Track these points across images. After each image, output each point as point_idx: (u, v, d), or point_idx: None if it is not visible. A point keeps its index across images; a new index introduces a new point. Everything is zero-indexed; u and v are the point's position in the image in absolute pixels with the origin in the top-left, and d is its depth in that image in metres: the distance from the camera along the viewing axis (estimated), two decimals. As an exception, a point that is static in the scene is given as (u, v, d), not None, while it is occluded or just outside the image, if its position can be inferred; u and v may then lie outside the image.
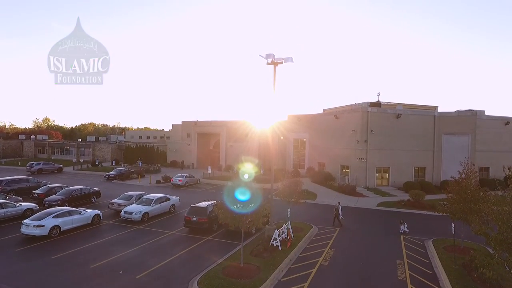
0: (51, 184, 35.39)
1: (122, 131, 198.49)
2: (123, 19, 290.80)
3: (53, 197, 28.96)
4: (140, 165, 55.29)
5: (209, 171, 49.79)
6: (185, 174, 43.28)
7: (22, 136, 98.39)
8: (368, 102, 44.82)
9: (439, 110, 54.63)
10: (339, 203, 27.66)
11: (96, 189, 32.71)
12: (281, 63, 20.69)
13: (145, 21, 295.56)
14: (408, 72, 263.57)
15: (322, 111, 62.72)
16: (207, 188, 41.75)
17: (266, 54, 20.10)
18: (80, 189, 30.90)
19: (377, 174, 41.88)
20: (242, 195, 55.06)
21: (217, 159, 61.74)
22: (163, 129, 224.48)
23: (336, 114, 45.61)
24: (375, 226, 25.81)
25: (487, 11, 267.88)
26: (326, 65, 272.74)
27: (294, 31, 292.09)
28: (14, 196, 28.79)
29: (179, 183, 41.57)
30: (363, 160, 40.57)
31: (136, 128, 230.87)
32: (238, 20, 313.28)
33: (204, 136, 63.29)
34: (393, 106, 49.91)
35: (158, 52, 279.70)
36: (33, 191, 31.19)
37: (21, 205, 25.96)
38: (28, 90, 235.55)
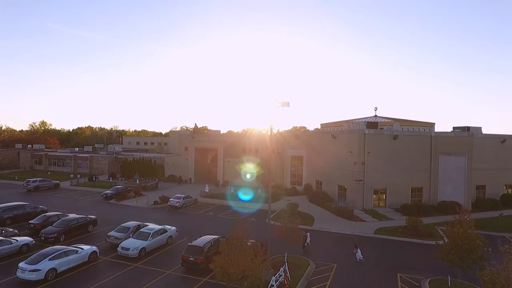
0: (48, 212, 35.42)
1: (120, 135, 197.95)
2: (126, 19, 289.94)
3: (49, 229, 28.81)
4: (137, 182, 55.08)
5: (206, 189, 49.68)
6: (183, 195, 43.10)
7: (19, 145, 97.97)
8: (365, 122, 44.90)
9: (437, 122, 55.35)
10: (307, 232, 28.02)
11: (92, 217, 32.52)
12: (278, 107, 20.68)
13: (147, 23, 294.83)
14: (406, 82, 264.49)
15: (319, 125, 62.93)
16: (205, 210, 41.61)
17: (263, 100, 20.12)
18: (77, 219, 30.72)
19: (374, 196, 41.92)
20: (244, 195, 54.48)
21: (214, 173, 61.64)
22: (160, 133, 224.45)
23: (333, 134, 45.63)
24: (372, 261, 25.79)
25: (483, 19, 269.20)
26: (325, 75, 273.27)
27: (295, 44, 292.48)
28: (10, 229, 28.54)
29: (177, 205, 41.45)
30: (360, 182, 40.62)
31: (133, 130, 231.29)
32: (242, 32, 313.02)
33: (201, 150, 63.17)
34: (390, 123, 50.15)
35: (159, 54, 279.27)
36: (30, 221, 30.98)
37: (17, 240, 25.79)
38: (25, 92, 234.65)
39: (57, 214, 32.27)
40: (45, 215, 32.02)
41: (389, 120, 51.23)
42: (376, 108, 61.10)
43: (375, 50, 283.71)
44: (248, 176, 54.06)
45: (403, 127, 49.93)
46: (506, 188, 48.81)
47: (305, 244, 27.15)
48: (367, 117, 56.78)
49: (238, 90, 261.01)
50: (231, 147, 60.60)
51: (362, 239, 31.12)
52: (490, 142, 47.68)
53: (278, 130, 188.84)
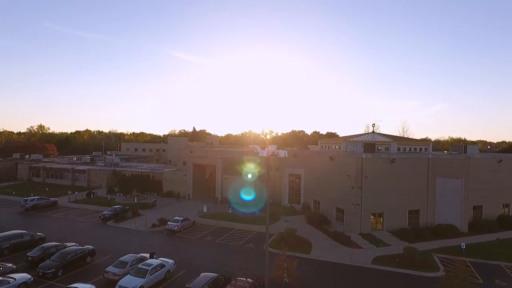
0: (46, 239, 35.68)
1: (118, 139, 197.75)
2: (125, 20, 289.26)
3: (47, 263, 28.80)
4: (135, 200, 55.08)
5: (205, 209, 49.69)
6: (181, 218, 43.08)
7: (17, 155, 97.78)
8: (362, 144, 45.07)
9: (433, 137, 55.30)
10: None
11: (90, 247, 32.50)
12: (276, 155, 20.86)
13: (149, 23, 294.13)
14: (405, 86, 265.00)
15: (318, 142, 63.01)
16: (203, 233, 41.61)
17: (261, 150, 20.29)
18: (75, 251, 30.75)
19: (372, 219, 42.11)
20: (247, 195, 55.14)
21: (212, 189, 61.61)
22: (159, 136, 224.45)
23: (331, 156, 45.79)
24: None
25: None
26: (324, 81, 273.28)
27: (295, 51, 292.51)
28: (8, 265, 28.45)
29: (175, 228, 41.47)
30: (358, 206, 40.79)
31: (131, 132, 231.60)
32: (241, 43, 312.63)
33: (200, 165, 63.13)
34: (387, 143, 50.35)
35: (159, 55, 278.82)
36: (27, 254, 30.94)
37: (15, 279, 25.73)
38: (23, 93, 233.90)
39: (55, 245, 32.30)
40: (43, 246, 31.98)
41: (386, 139, 51.33)
42: (373, 124, 61.45)
43: (374, 56, 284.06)
44: (249, 176, 54.45)
45: (400, 146, 50.12)
46: (503, 207, 49.01)
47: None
48: (365, 134, 56.96)
49: (237, 93, 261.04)
50: (229, 163, 60.62)
51: (359, 272, 31.15)
52: (487, 163, 47.84)
53: (277, 133, 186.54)
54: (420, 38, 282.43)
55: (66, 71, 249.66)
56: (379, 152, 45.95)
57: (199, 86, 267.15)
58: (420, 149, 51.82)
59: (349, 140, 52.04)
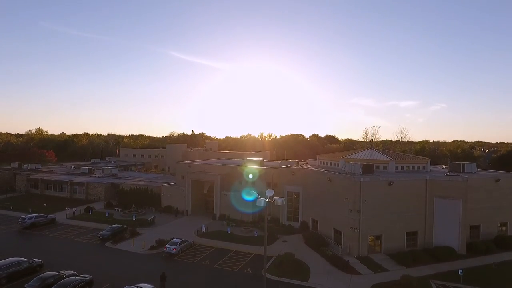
0: (43, 266, 35.77)
1: (117, 143, 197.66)
2: (125, 20, 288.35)
3: (46, 298, 28.84)
4: (133, 218, 55.03)
5: (203, 229, 49.67)
6: (179, 240, 42.97)
7: (15, 164, 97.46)
8: (360, 164, 45.06)
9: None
10: None
11: (87, 278, 32.42)
12: (273, 201, 20.88)
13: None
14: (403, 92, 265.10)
15: (317, 157, 63.04)
16: (201, 256, 41.53)
17: (259, 199, 20.30)
18: (72, 282, 30.74)
19: (370, 238, 42.13)
20: (247, 195, 55.46)
21: (211, 203, 61.54)
22: (158, 137, 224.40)
23: (329, 177, 45.85)
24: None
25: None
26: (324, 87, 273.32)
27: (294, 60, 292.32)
28: (5, 299, 28.54)
29: (173, 252, 41.40)
30: (356, 230, 40.85)
31: (130, 134, 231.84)
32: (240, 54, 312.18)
33: (198, 181, 63.00)
34: (385, 161, 50.44)
35: (159, 55, 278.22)
36: (25, 286, 30.81)
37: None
38: (20, 93, 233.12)
39: (53, 275, 32.24)
40: (41, 277, 31.83)
41: (385, 157, 51.32)
42: (372, 139, 61.61)
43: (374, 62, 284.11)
44: (250, 176, 55.57)
45: (398, 165, 50.21)
46: (500, 226, 49.14)
47: None
48: (363, 151, 57.04)
49: (236, 95, 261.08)
50: (228, 178, 60.61)
51: (357, 301, 31.25)
52: (485, 182, 48.01)
53: (276, 136, 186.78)
54: (420, 38, 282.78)
55: (65, 72, 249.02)
56: (377, 173, 46.02)
57: (199, 88, 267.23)
58: (419, 167, 51.96)
59: (347, 158, 52.12)
